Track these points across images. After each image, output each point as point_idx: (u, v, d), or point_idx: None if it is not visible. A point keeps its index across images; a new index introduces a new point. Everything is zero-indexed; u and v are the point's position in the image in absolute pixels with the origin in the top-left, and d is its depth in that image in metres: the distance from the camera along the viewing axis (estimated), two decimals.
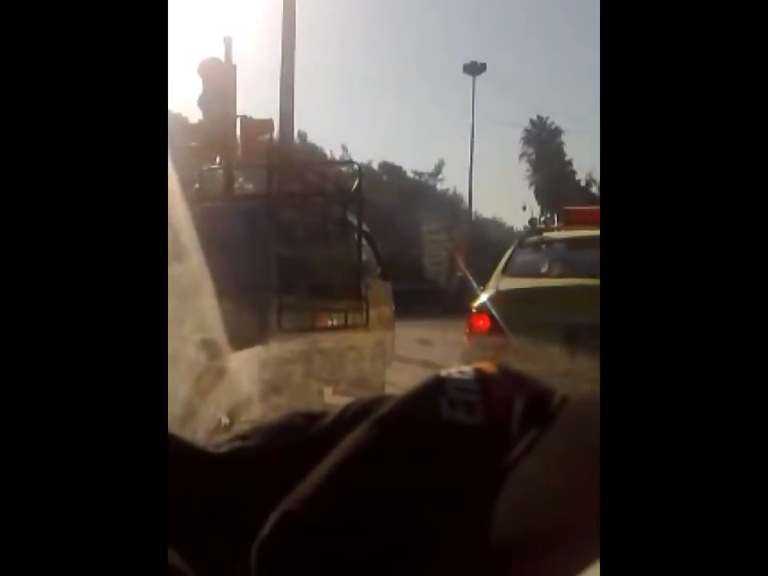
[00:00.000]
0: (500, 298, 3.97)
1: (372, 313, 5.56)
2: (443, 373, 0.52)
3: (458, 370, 0.52)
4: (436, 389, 0.50)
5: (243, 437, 0.58)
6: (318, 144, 26.47)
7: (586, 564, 0.35)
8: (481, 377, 0.51)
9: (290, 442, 0.56)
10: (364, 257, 5.78)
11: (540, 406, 0.49)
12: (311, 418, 0.58)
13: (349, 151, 26.56)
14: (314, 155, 21.48)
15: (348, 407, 0.57)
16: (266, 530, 0.46)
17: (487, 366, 0.53)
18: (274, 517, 0.46)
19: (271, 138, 6.54)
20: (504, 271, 4.45)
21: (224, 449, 0.57)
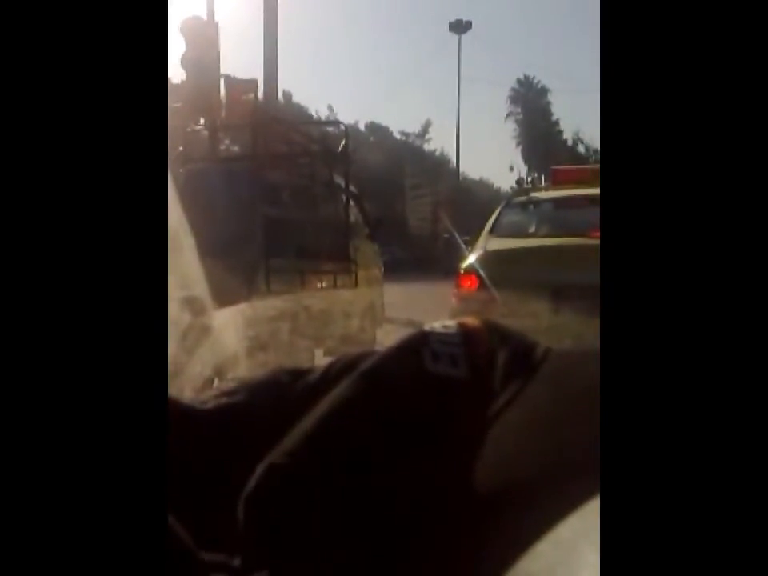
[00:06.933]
0: (488, 258, 3.97)
1: (360, 274, 5.55)
2: (427, 327, 0.52)
3: (441, 324, 0.52)
4: (420, 342, 0.50)
5: (230, 393, 0.58)
6: (304, 104, 26.18)
7: (570, 512, 0.36)
8: (464, 330, 0.51)
9: (277, 398, 0.57)
10: (351, 218, 5.75)
11: (523, 358, 0.50)
12: (297, 374, 0.59)
13: (335, 111, 26.31)
14: (299, 115, 21.19)
15: (334, 363, 0.57)
16: (251, 482, 0.47)
17: (471, 320, 0.53)
18: (259, 470, 0.47)
19: (256, 97, 6.43)
20: (492, 232, 4.44)
21: (210, 405, 0.57)
